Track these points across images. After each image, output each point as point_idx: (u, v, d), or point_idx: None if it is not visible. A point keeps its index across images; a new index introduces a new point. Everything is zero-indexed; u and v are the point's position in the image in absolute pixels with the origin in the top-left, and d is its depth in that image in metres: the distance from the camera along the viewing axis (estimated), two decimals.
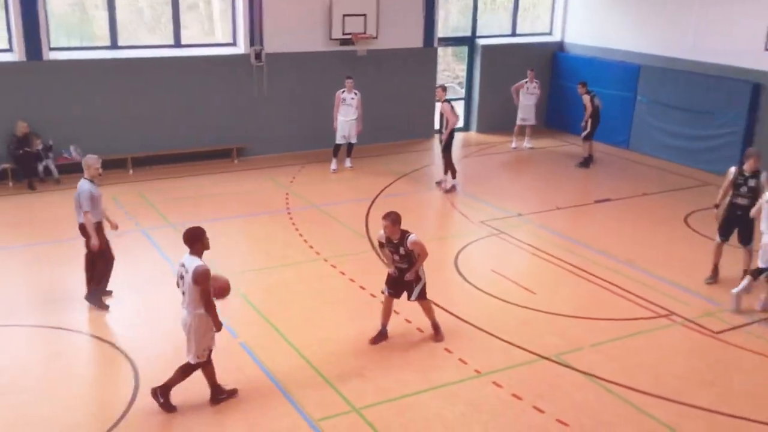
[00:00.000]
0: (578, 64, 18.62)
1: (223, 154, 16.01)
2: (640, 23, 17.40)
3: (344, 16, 16.22)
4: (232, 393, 7.47)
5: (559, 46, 19.54)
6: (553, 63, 19.37)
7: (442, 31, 18.23)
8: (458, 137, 14.87)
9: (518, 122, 17.44)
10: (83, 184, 8.92)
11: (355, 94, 15.09)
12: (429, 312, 8.67)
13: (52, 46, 14.41)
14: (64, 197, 13.08)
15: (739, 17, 15.06)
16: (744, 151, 10.88)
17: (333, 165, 15.41)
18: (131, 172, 14.90)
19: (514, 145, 17.61)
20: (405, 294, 8.50)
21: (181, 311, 7.17)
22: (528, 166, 16.49)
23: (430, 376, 7.91)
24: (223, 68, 15.71)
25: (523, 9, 19.50)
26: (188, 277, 6.90)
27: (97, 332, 8.82)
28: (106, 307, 9.23)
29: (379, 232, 8.35)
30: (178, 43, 15.57)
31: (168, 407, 7.20)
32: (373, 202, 13.52)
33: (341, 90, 15.11)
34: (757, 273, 9.47)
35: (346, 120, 15.14)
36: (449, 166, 14.24)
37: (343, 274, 10.44)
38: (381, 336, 8.59)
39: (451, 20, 19.16)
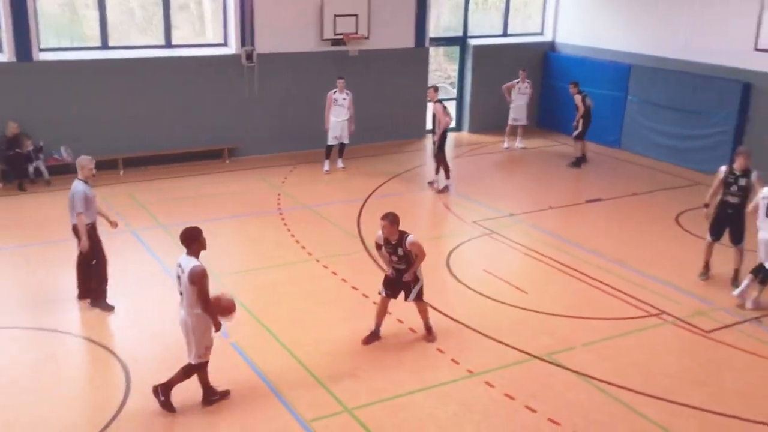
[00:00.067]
0: (569, 64, 18.66)
1: (215, 155, 15.97)
2: (631, 23, 17.45)
3: (335, 16, 16.21)
4: (225, 394, 7.45)
5: (551, 46, 19.57)
6: (544, 63, 19.41)
7: (433, 31, 18.24)
8: (450, 137, 14.82)
9: (510, 122, 17.46)
10: (77, 185, 8.90)
11: (347, 94, 15.07)
12: (424, 313, 8.67)
13: (42, 46, 14.35)
14: (55, 198, 13.04)
15: (730, 17, 15.11)
16: (734, 150, 10.93)
17: (326, 166, 15.38)
18: (122, 172, 14.85)
19: (506, 145, 17.63)
20: (401, 294, 8.51)
21: (179, 311, 7.15)
22: (520, 166, 16.51)
23: (422, 377, 7.91)
24: (214, 69, 15.68)
25: (514, 9, 19.54)
26: (185, 278, 6.89)
27: (88, 334, 8.79)
28: (112, 308, 9.24)
29: (377, 233, 8.34)
30: (169, 44, 15.53)
31: (168, 406, 7.18)
32: (365, 202, 13.51)
33: (333, 90, 15.09)
34: (758, 271, 9.50)
35: (338, 121, 15.11)
36: (443, 167, 14.23)
37: (335, 274, 10.43)
38: (374, 336, 8.59)
39: (442, 20, 19.18)
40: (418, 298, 8.52)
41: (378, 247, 8.45)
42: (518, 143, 17.61)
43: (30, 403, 7.38)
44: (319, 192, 14.15)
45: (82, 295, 9.44)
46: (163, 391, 7.19)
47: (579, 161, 16.18)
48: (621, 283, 10.31)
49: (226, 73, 15.75)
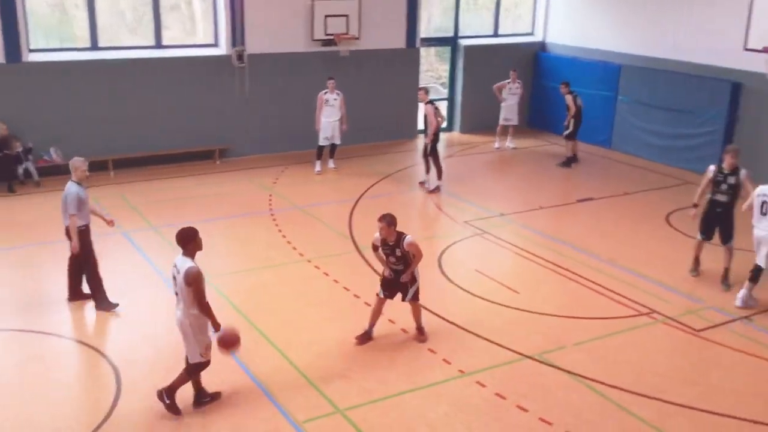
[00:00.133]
0: (560, 64, 18.70)
1: (206, 156, 15.94)
2: (621, 23, 17.51)
3: (326, 16, 16.19)
4: (216, 396, 7.43)
5: (541, 46, 19.62)
6: (535, 63, 19.45)
7: (424, 31, 18.26)
8: (441, 138, 14.81)
9: (501, 122, 17.50)
10: (71, 187, 8.87)
11: (338, 94, 15.06)
12: (417, 313, 8.69)
13: (31, 47, 14.29)
14: (45, 200, 12.99)
15: (719, 17, 15.18)
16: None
17: (317, 167, 15.37)
18: (113, 174, 14.79)
19: (497, 145, 17.66)
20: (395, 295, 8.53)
21: (175, 312, 7.12)
22: (511, 166, 16.54)
23: (414, 377, 7.91)
24: (205, 69, 15.64)
25: (504, 9, 19.57)
26: (180, 278, 6.87)
27: (78, 336, 8.76)
28: (116, 305, 9.25)
29: (374, 235, 8.33)
30: (159, 44, 15.48)
31: (174, 409, 7.16)
32: (356, 203, 13.51)
33: (324, 91, 15.07)
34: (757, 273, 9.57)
35: (329, 121, 15.10)
36: (436, 167, 14.21)
37: (327, 275, 10.42)
38: (366, 337, 8.59)
39: (433, 21, 19.20)
40: (415, 298, 8.54)
41: (375, 248, 8.45)
42: (509, 143, 17.64)
43: (20, 405, 7.35)
44: (310, 192, 14.13)
45: (72, 297, 9.40)
46: (167, 394, 7.16)
47: (570, 161, 16.22)
48: (612, 282, 10.34)
49: (216, 73, 15.71)
